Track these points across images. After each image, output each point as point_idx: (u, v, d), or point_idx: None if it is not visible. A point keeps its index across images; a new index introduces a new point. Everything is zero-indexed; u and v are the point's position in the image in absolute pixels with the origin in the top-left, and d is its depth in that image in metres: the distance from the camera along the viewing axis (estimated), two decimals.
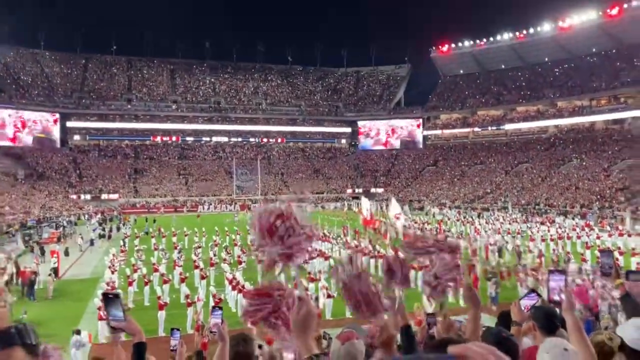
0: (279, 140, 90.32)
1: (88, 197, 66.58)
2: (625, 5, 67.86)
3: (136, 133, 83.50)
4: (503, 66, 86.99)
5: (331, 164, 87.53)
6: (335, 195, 75.59)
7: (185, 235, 36.78)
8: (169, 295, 19.91)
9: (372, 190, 76.72)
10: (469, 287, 2.66)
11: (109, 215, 58.04)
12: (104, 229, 44.81)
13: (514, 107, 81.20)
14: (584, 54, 76.83)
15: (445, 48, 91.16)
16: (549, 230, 36.19)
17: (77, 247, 36.14)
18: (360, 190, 75.13)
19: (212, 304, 16.43)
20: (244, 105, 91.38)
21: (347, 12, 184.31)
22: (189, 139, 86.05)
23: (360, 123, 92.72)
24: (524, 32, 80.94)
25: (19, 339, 1.68)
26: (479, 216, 50.78)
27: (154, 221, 48.85)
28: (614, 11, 69.30)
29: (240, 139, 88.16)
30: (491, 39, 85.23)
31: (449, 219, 49.19)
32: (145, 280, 21.29)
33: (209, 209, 67.31)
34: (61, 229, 44.66)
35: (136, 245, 31.91)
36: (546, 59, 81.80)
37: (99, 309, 15.53)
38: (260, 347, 8.87)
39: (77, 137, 79.98)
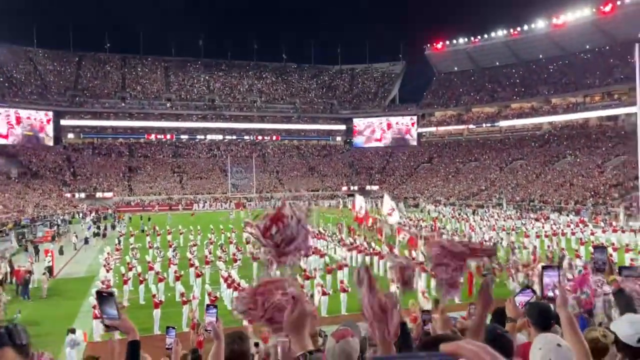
0: (274, 137, 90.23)
1: (82, 195, 66.35)
2: (619, 2, 68.08)
3: (130, 131, 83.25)
4: (497, 63, 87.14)
5: (326, 161, 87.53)
6: (330, 193, 75.62)
7: (180, 234, 36.70)
8: (164, 293, 19.88)
9: (367, 187, 76.81)
10: (486, 285, 2.57)
11: (103, 213, 57.86)
12: (98, 228, 44.68)
13: (508, 104, 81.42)
14: (578, 50, 77.13)
15: (439, 45, 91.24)
16: (543, 227, 36.29)
17: (72, 246, 36.04)
18: (356, 187, 75.19)
19: (207, 302, 16.42)
20: (238, 103, 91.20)
21: (341, 9, 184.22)
22: (184, 136, 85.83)
23: (355, 120, 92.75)
24: (518, 29, 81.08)
25: (9, 339, 1.67)
26: (473, 213, 50.89)
27: (149, 219, 48.74)
28: (607, 8, 69.51)
29: (234, 137, 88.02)
30: (485, 36, 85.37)
31: (443, 216, 49.28)
32: (141, 278, 21.27)
33: (203, 207, 67.20)
34: (55, 227, 44.46)
35: (131, 244, 31.86)
36: (540, 56, 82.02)
37: (94, 307, 15.49)
38: (256, 345, 8.90)
39: (71, 136, 79.64)
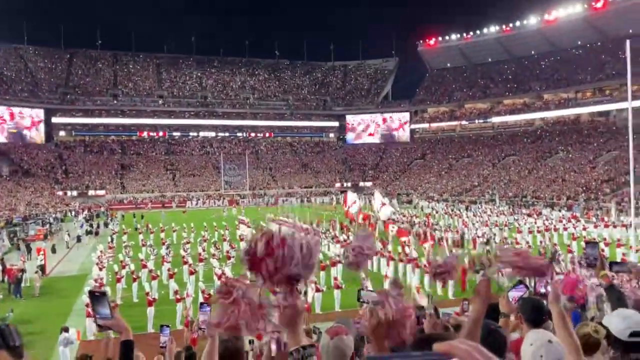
0: (267, 134, 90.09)
1: (75, 193, 65.98)
2: None
3: (122, 128, 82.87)
4: (490, 59, 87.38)
5: (319, 158, 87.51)
6: (323, 190, 75.64)
7: (174, 231, 36.60)
8: (157, 291, 19.84)
9: (361, 184, 76.87)
10: (486, 281, 2.51)
11: (95, 211, 57.57)
12: (91, 226, 44.46)
13: (501, 100, 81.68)
14: (570, 46, 77.47)
15: (432, 41, 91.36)
16: (535, 222, 36.50)
17: (64, 244, 35.88)
18: (349, 184, 75.22)
19: (201, 299, 16.40)
20: (231, 100, 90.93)
21: (334, 6, 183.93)
22: (176, 134, 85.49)
23: (348, 117, 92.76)
24: (510, 25, 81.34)
25: (2, 341, 1.66)
26: (466, 209, 51.10)
27: (142, 217, 48.57)
28: (599, 4, 69.86)
29: (227, 134, 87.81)
30: (478, 32, 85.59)
31: (437, 212, 49.46)
32: (134, 276, 21.20)
33: (197, 204, 67.06)
34: (48, 226, 44.19)
35: (124, 242, 31.72)
36: (532, 52, 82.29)
37: (87, 306, 15.43)
38: (251, 342, 8.89)
39: (62, 133, 79.13)
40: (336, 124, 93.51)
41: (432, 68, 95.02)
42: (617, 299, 3.70)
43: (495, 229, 34.32)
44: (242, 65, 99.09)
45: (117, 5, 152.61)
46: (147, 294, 17.83)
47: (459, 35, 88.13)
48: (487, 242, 29.06)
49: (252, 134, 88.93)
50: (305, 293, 18.22)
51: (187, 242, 29.70)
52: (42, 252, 27.10)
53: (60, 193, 64.55)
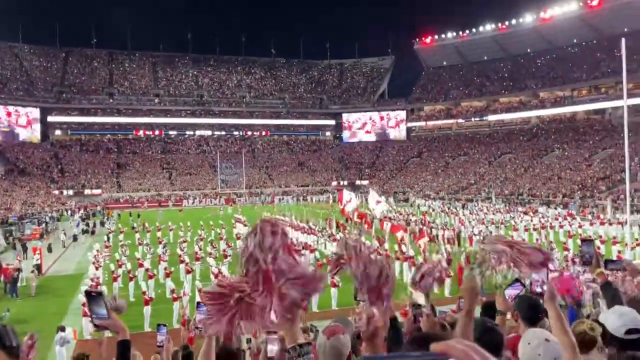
0: (263, 133, 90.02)
1: (70, 192, 65.80)
2: None
3: (118, 127, 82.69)
4: (485, 57, 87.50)
5: (316, 156, 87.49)
6: (320, 188, 75.63)
7: (170, 230, 36.54)
8: (154, 290, 19.81)
9: (357, 182, 76.91)
10: (472, 279, 2.60)
11: (92, 210, 57.42)
12: (87, 225, 44.34)
13: (497, 98, 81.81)
14: (565, 44, 77.65)
15: (428, 40, 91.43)
16: (532, 220, 36.60)
17: (60, 243, 35.76)
18: (345, 182, 75.26)
19: (198, 298, 16.38)
20: (227, 99, 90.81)
21: (330, 4, 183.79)
22: (172, 132, 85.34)
23: (344, 116, 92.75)
24: (506, 23, 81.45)
25: None
26: (463, 207, 51.19)
27: (138, 216, 48.46)
28: (594, 2, 70.01)
29: (224, 133, 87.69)
30: (474, 30, 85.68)
31: (433, 210, 49.52)
32: (130, 275, 21.16)
33: (193, 203, 66.97)
34: (43, 225, 44.03)
35: (120, 241, 31.65)
36: (528, 50, 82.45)
37: (83, 305, 15.39)
38: (248, 341, 8.90)
39: (58, 132, 78.86)
40: (332, 122, 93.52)
41: (428, 66, 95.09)
42: (612, 296, 3.71)
43: (492, 226, 34.39)
44: (238, 63, 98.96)
45: (112, 4, 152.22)
46: (144, 293, 17.79)
47: (455, 34, 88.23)
48: (484, 240, 29.08)
49: (249, 133, 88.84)
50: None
51: (184, 241, 29.64)
52: (38, 252, 26.99)
53: (56, 192, 64.35)
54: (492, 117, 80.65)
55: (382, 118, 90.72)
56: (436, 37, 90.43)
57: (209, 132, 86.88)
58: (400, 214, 42.59)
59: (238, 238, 30.70)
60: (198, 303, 3.39)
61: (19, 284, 22.74)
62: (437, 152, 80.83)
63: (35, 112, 75.35)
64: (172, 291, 17.78)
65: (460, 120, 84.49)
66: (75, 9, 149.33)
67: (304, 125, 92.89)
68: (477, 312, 4.43)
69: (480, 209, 47.67)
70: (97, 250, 25.87)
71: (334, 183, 77.13)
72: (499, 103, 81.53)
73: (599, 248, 23.27)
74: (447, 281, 18.26)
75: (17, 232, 40.19)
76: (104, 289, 19.45)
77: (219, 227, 35.45)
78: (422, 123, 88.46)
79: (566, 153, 63.06)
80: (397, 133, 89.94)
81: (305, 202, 66.34)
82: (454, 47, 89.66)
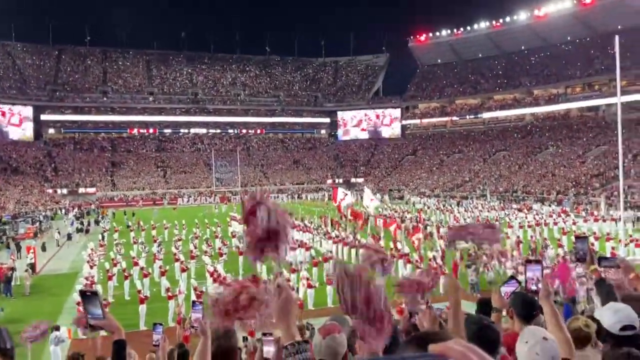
0: (258, 131, 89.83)
1: (65, 191, 65.55)
2: None
3: (112, 126, 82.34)
4: (480, 55, 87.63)
5: (311, 154, 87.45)
6: (315, 186, 75.63)
7: (165, 228, 36.44)
8: (149, 288, 19.77)
9: (353, 180, 76.98)
10: (451, 279, 2.73)
11: (86, 209, 57.20)
12: (81, 223, 44.20)
13: (491, 95, 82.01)
14: (559, 42, 77.88)
15: (422, 37, 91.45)
16: (526, 217, 36.70)
17: (54, 242, 35.64)
18: (341, 180, 75.28)
19: (193, 296, 16.37)
20: (222, 97, 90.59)
21: (324, 2, 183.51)
22: (167, 131, 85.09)
23: (339, 113, 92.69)
24: (500, 20, 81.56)
25: None
26: (458, 204, 51.29)
27: (133, 214, 48.33)
28: (588, 0, 70.23)
29: (218, 131, 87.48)
30: (468, 28, 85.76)
31: (428, 208, 49.60)
32: (125, 274, 21.13)
33: (188, 201, 66.83)
34: (37, 224, 43.87)
35: (115, 239, 31.56)
36: (522, 48, 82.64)
37: (78, 304, 15.34)
38: (245, 339, 8.89)
39: (51, 131, 78.47)
40: (327, 120, 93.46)
41: (423, 64, 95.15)
42: (606, 292, 3.73)
43: None
44: (232, 61, 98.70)
45: (106, 1, 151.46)
46: (139, 291, 17.76)
47: (449, 31, 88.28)
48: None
49: (243, 131, 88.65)
50: (297, 290, 18.27)
51: (179, 240, 29.62)
52: (32, 251, 26.91)
53: (50, 191, 64.11)
54: (486, 115, 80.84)
55: (377, 116, 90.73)
56: (431, 34, 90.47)
57: (203, 130, 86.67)
58: (396, 212, 42.66)
59: (233, 236, 30.68)
60: (193, 302, 3.38)
61: (13, 283, 22.65)
62: (432, 150, 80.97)
63: (28, 111, 74.85)
64: (168, 290, 17.75)
65: (454, 118, 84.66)
66: (69, 7, 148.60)
67: (299, 123, 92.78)
68: (473, 309, 4.45)
69: (475, 206, 47.78)
70: (92, 249, 25.79)
71: (329, 181, 77.11)
72: (493, 100, 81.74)
73: (592, 245, 23.38)
74: (442, 279, 18.28)
75: (11, 231, 39.99)
76: (98, 287, 19.40)
77: (214, 225, 35.41)
78: (417, 121, 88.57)
79: (560, 150, 63.31)
80: (392, 131, 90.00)
81: (299, 200, 66.31)
82: (448, 44, 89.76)
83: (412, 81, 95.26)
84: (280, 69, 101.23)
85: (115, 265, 22.67)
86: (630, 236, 27.02)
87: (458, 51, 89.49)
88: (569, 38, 76.80)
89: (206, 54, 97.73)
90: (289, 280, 17.70)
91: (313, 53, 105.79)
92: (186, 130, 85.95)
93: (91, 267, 22.38)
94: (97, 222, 46.61)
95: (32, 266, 25.48)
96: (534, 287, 3.04)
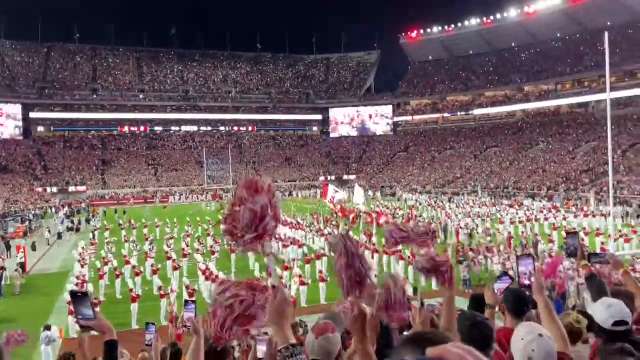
0: (250, 128, 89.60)
1: (55, 189, 65.03)
2: None
3: (103, 123, 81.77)
4: (471, 52, 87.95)
5: (303, 151, 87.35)
6: (307, 183, 75.59)
7: (157, 227, 36.30)
8: (141, 287, 19.69)
9: (345, 177, 77.02)
10: (426, 316, 2.86)
11: (77, 207, 56.80)
12: (72, 222, 43.88)
13: (482, 92, 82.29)
14: (549, 39, 78.27)
15: (414, 34, 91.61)
16: (517, 213, 36.92)
17: (45, 241, 35.37)
18: (333, 177, 75.27)
19: (185, 295, 16.33)
20: (213, 94, 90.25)
21: None
22: (158, 128, 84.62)
23: (331, 111, 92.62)
24: (491, 18, 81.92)
25: None
26: (449, 201, 51.48)
27: (124, 213, 48.07)
28: None
29: (210, 128, 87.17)
30: (459, 25, 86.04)
31: (420, 204, 49.75)
32: (117, 273, 21.03)
33: (180, 199, 66.58)
34: (27, 223, 43.52)
35: (106, 238, 31.40)
36: (513, 44, 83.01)
37: (69, 303, 15.25)
38: None
39: (41, 129, 77.81)
40: (319, 117, 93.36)
41: (415, 61, 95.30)
42: (597, 288, 3.75)
43: (478, 220, 34.64)
44: (224, 58, 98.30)
45: None
46: (131, 290, 17.68)
47: (440, 28, 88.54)
48: (471, 234, 29.39)
49: (235, 128, 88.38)
50: (290, 287, 18.26)
51: (171, 238, 29.54)
52: (22, 250, 26.69)
53: (40, 189, 63.58)
54: (477, 111, 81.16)
55: (370, 116, 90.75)
56: (422, 31, 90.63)
57: (194, 128, 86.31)
58: (388, 209, 42.74)
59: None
60: (186, 301, 3.36)
61: (3, 283, 22.47)
62: (424, 147, 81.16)
63: (17, 109, 74.13)
64: (160, 288, 17.69)
65: (446, 115, 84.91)
66: (57, 4, 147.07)
67: (290, 121, 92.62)
68: (466, 305, 4.46)
69: (467, 202, 47.98)
70: (83, 248, 25.65)
71: (322, 178, 77.03)
72: (485, 97, 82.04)
73: (583, 240, 23.55)
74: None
75: (0, 230, 39.65)
76: (90, 286, 19.30)
77: (206, 223, 35.31)
78: (409, 117, 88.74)
79: (551, 146, 63.67)
80: (384, 128, 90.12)
81: (290, 197, 66.27)
82: (439, 41, 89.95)
83: (403, 78, 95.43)
84: (271, 66, 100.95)
85: (106, 264, 22.57)
86: (620, 231, 27.23)
87: (449, 48, 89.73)
88: (559, 35, 77.22)
89: (197, 52, 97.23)
90: (281, 277, 17.70)
91: (304, 50, 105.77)
92: (177, 128, 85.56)
93: (82, 266, 22.25)
94: (88, 221, 46.29)
95: (23, 266, 25.28)
96: (527, 282, 3.05)
